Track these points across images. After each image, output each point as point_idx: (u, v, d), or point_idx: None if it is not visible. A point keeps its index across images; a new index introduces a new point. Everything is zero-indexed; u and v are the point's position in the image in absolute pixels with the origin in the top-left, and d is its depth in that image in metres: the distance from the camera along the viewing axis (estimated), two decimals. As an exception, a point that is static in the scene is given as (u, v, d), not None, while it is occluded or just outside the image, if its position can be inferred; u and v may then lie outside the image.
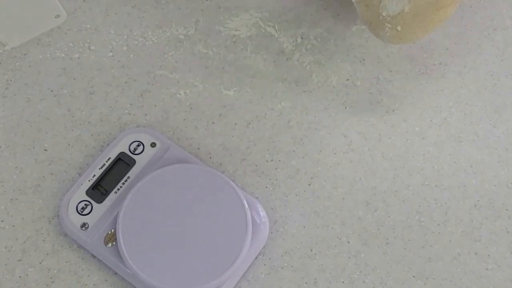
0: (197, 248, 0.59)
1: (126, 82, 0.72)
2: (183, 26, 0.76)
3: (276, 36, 0.75)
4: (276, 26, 0.75)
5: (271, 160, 0.68)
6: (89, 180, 0.64)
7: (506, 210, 0.66)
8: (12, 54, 0.72)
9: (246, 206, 0.61)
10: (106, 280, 0.62)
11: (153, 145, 0.66)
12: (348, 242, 0.64)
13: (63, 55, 0.73)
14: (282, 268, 0.63)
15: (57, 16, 0.72)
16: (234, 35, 0.74)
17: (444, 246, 0.64)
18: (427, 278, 0.63)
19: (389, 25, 0.62)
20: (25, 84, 0.71)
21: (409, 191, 0.67)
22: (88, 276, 0.62)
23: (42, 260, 0.62)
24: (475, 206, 0.66)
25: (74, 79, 0.72)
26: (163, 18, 0.76)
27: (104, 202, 0.63)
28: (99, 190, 0.64)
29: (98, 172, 0.65)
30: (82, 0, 0.76)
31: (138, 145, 0.66)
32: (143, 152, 0.65)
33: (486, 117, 0.71)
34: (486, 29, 0.77)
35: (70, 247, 0.63)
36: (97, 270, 0.62)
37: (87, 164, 0.67)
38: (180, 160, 0.65)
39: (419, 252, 0.64)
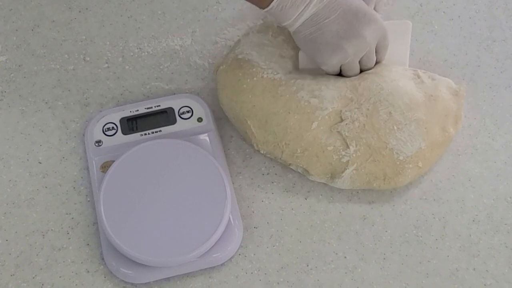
0: (179, 220, 0.61)
1: (121, 94, 0.71)
2: (179, 37, 0.75)
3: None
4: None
5: (267, 174, 0.67)
6: (130, 111, 0.68)
7: (505, 224, 0.65)
8: (6, 66, 0.72)
9: (224, 176, 0.62)
10: (100, 296, 0.61)
11: (199, 120, 0.68)
12: (345, 257, 0.63)
13: (58, 66, 0.72)
14: (278, 283, 0.62)
15: None
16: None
17: (442, 261, 0.63)
18: (424, 294, 0.62)
19: (410, 165, 0.64)
20: (20, 95, 0.71)
21: (406, 205, 0.66)
22: (81, 291, 0.61)
23: (36, 275, 0.62)
24: (473, 220, 0.66)
25: (69, 90, 0.71)
26: (159, 29, 0.75)
27: (127, 136, 0.66)
28: (132, 124, 0.67)
29: (142, 110, 0.68)
30: (78, 11, 0.75)
31: (188, 111, 0.68)
32: (187, 120, 0.68)
33: (484, 130, 0.70)
34: (485, 40, 0.76)
35: (64, 262, 0.62)
36: (91, 285, 0.61)
37: (82, 177, 0.66)
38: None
39: (416, 267, 0.63)
